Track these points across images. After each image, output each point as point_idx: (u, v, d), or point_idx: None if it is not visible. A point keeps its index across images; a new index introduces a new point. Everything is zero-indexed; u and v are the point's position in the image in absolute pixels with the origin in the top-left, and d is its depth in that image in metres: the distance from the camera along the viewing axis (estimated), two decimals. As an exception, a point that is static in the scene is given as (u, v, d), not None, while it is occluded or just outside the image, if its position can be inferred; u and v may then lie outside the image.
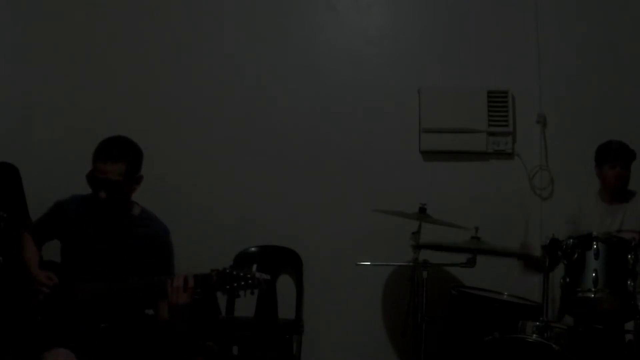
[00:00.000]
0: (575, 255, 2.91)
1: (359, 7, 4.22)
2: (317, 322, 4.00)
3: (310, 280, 4.04)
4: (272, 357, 3.89)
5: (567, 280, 2.93)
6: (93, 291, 2.54)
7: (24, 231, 2.82)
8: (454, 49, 4.15)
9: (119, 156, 2.60)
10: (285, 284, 4.08)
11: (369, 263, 3.75)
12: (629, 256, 2.85)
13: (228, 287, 2.42)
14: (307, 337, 3.91)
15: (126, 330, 2.61)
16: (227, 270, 2.44)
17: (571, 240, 2.95)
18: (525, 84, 4.09)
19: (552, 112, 4.09)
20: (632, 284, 2.82)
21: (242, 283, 2.41)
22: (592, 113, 4.05)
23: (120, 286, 2.51)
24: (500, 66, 4.13)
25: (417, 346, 3.41)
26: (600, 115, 4.04)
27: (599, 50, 4.08)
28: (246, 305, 3.96)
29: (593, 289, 2.83)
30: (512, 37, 4.13)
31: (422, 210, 3.49)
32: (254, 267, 2.44)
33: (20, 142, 4.03)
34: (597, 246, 2.88)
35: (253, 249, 4.04)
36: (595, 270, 2.85)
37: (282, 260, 4.04)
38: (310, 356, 3.97)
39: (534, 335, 2.81)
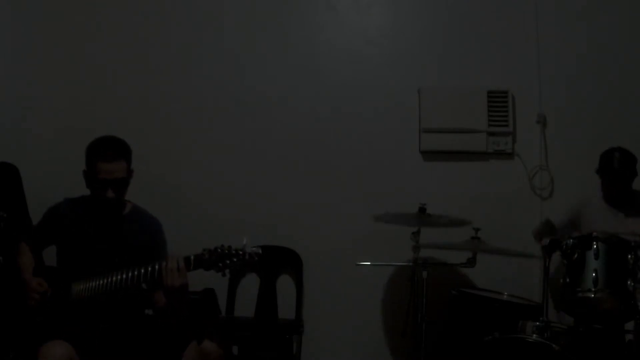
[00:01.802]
0: (575, 255, 2.91)
1: (359, 7, 4.22)
2: (317, 322, 4.00)
3: (310, 280, 4.05)
4: (272, 357, 3.89)
5: (567, 280, 2.93)
6: (88, 288, 2.53)
7: (22, 240, 2.83)
8: (454, 49, 4.15)
9: (121, 154, 2.65)
10: (285, 284, 4.08)
11: (369, 263, 3.75)
12: (629, 256, 2.85)
13: (221, 264, 2.45)
14: (307, 337, 3.92)
15: (126, 330, 2.61)
16: (219, 249, 2.47)
17: (571, 240, 2.95)
18: (525, 84, 4.09)
19: (552, 112, 4.08)
20: (632, 284, 2.82)
21: (235, 259, 2.46)
22: (592, 113, 4.05)
23: (115, 278, 2.50)
24: (500, 66, 4.13)
25: (417, 346, 3.41)
26: (600, 115, 4.04)
27: (599, 50, 4.07)
28: (246, 305, 3.98)
29: (593, 289, 2.83)
30: (512, 37, 4.13)
31: (422, 210, 3.48)
32: (245, 240, 2.47)
33: (20, 142, 4.03)
34: (597, 246, 2.88)
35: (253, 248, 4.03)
36: (595, 270, 2.84)
37: (282, 260, 4.05)
38: (310, 356, 3.97)
39: (534, 335, 2.81)
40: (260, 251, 2.50)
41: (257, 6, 4.21)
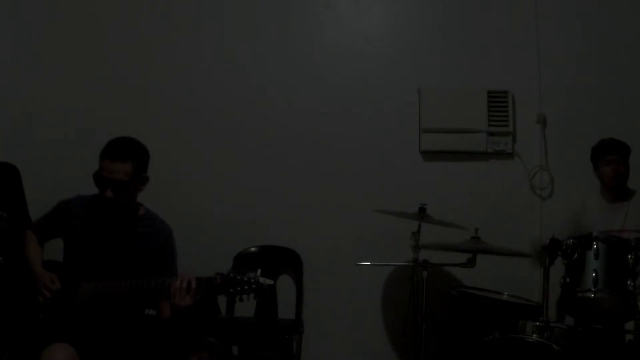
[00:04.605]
0: (575, 255, 2.91)
1: (359, 7, 4.22)
2: (317, 322, 4.00)
3: (310, 280, 4.04)
4: (272, 357, 3.89)
5: (567, 280, 2.93)
6: (95, 291, 2.53)
7: (27, 229, 2.82)
8: (454, 49, 4.15)
9: (127, 156, 2.61)
10: (285, 284, 4.08)
11: (369, 263, 3.75)
12: (629, 256, 2.85)
13: (231, 290, 2.42)
14: (307, 337, 3.92)
15: (126, 330, 2.61)
16: (231, 274, 2.44)
17: (571, 240, 2.95)
18: (525, 84, 4.09)
19: (552, 112, 4.09)
20: (632, 284, 2.82)
21: (246, 287, 2.42)
22: (592, 113, 4.05)
23: (123, 286, 2.51)
24: (500, 66, 4.14)
25: (417, 346, 3.41)
26: (600, 115, 4.04)
27: (599, 50, 4.08)
28: (246, 306, 3.95)
29: (593, 289, 2.83)
30: (512, 37, 4.13)
31: (422, 210, 3.49)
32: (258, 272, 2.45)
33: (20, 142, 4.02)
34: (597, 246, 2.88)
35: (253, 249, 4.04)
36: (595, 270, 2.84)
37: (282, 260, 4.05)
38: (310, 356, 3.97)
39: (534, 335, 2.81)
40: (272, 282, 2.47)
41: (257, 6, 4.21)
